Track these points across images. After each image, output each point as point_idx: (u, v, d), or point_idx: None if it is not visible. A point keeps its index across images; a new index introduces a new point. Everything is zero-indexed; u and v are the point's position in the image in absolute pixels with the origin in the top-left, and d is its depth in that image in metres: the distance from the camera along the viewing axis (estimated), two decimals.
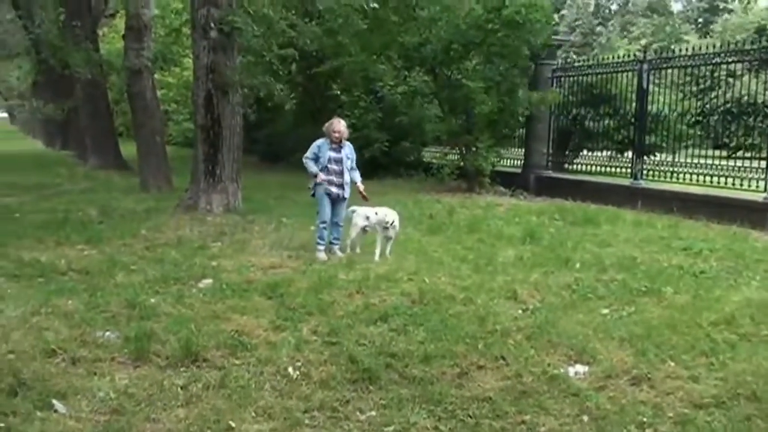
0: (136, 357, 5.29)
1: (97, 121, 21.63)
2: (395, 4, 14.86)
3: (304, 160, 8.97)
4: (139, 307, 6.35)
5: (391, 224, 8.60)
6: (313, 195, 9.01)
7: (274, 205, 13.13)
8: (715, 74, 14.69)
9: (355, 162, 9.09)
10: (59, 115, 25.29)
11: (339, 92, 19.72)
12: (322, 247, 8.85)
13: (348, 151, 8.99)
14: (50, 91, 27.06)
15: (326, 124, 9.05)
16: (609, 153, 16.39)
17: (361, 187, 8.99)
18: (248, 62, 12.94)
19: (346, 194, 8.96)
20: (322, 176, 8.79)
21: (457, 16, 15.14)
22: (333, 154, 8.87)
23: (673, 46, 37.49)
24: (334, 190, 8.85)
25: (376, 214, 8.76)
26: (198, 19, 12.05)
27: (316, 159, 8.87)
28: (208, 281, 7.46)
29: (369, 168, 16.88)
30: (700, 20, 58.88)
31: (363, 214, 8.85)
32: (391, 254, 8.73)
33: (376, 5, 13.29)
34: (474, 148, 15.86)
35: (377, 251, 8.65)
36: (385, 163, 18.60)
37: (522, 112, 15.97)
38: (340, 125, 8.92)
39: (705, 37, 44.61)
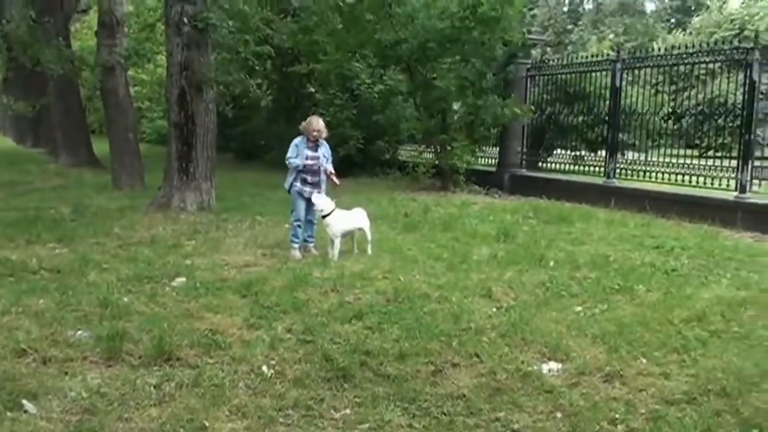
0: (109, 356, 5.25)
1: (69, 118, 21.39)
2: (370, 2, 14.82)
3: (287, 162, 8.94)
4: (112, 306, 6.30)
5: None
6: (289, 191, 8.99)
7: (249, 203, 13.08)
8: (689, 74, 14.82)
9: (331, 161, 9.08)
10: (30, 112, 24.95)
11: (314, 90, 19.67)
12: (296, 245, 8.84)
13: (325, 150, 8.99)
14: (21, 88, 26.69)
15: (304, 123, 9.02)
16: (583, 152, 16.49)
17: (330, 169, 8.94)
18: (222, 59, 12.85)
19: (322, 191, 8.95)
20: (308, 160, 8.79)
21: (432, 15, 15.15)
22: (310, 153, 8.86)
23: (648, 46, 37.90)
24: (308, 189, 8.83)
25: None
26: (172, 16, 11.96)
27: (296, 157, 8.86)
28: (182, 280, 7.41)
29: (344, 166, 16.79)
30: (673, 20, 59.45)
31: (336, 222, 8.68)
32: (371, 252, 8.77)
33: (351, 1, 13.26)
34: (449, 147, 15.90)
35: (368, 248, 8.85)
36: (360, 161, 18.59)
37: (492, 124, 16.05)
38: (319, 124, 8.90)
39: (682, 34, 44.96)
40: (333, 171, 8.99)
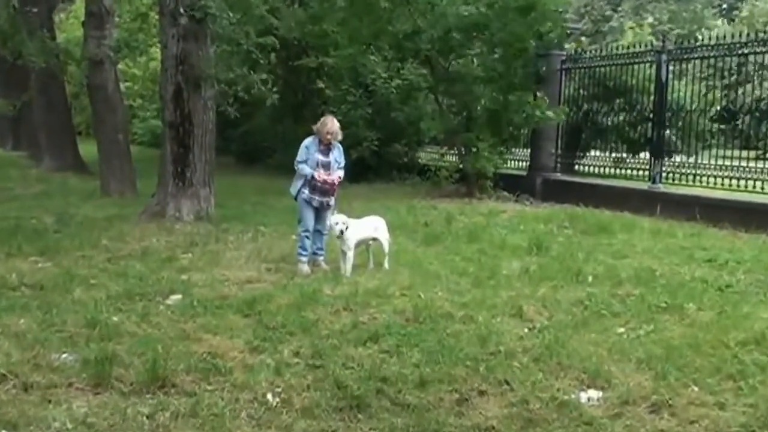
0: (96, 382, 5.25)
1: (53, 118, 21.55)
2: None
3: (296, 166, 8.92)
4: (100, 327, 6.31)
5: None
6: (296, 198, 8.99)
7: (251, 212, 13.11)
8: (744, 66, 14.73)
9: (343, 165, 9.07)
10: (10, 111, 25.18)
11: (324, 86, 19.72)
12: (304, 259, 8.84)
13: (337, 153, 8.97)
14: (0, 84, 26.95)
15: (318, 124, 8.98)
16: (624, 153, 16.42)
17: (333, 179, 8.86)
18: (222, 52, 12.92)
19: (332, 201, 8.96)
20: (321, 175, 8.74)
21: (455, 0, 15.15)
22: (321, 158, 8.83)
23: (697, 34, 37.70)
24: (317, 197, 8.84)
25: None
26: (167, 4, 12.04)
27: (305, 162, 8.84)
28: (177, 297, 7.43)
29: (357, 170, 16.89)
30: (725, 6, 59.20)
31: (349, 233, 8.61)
32: (388, 267, 8.77)
33: None
34: (474, 149, 15.89)
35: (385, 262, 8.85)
36: (375, 164, 18.62)
37: (521, 124, 16.03)
38: (333, 126, 8.86)
39: (729, 23, 44.71)
40: (340, 178, 8.97)
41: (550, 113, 15.34)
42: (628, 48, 16.08)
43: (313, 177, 8.73)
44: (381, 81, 17.88)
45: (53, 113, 21.55)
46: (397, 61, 17.77)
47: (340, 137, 9.02)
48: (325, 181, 8.75)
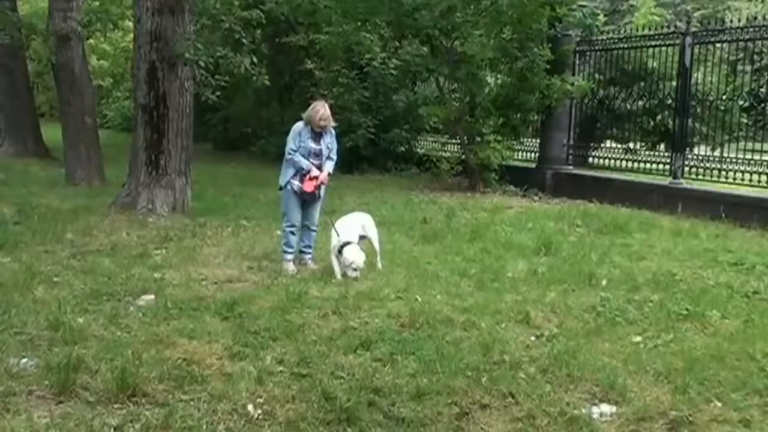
0: (60, 390, 5.24)
1: (13, 99, 21.46)
2: None
3: (288, 157, 8.84)
4: (64, 329, 6.30)
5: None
6: (281, 189, 8.97)
7: (232, 205, 13.12)
8: None
9: (335, 152, 9.05)
10: None
11: (313, 67, 19.71)
12: (290, 257, 8.84)
13: (329, 139, 8.93)
14: None
15: (308, 110, 8.95)
16: (643, 145, 16.45)
17: (323, 177, 8.83)
18: (203, 27, 12.88)
19: (321, 192, 8.95)
20: (320, 175, 8.75)
21: None
22: (313, 145, 8.80)
23: (720, 15, 37.70)
24: (308, 190, 8.81)
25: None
26: None
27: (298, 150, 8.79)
28: (150, 297, 7.42)
29: (350, 160, 16.93)
30: None
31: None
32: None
33: None
34: (479, 138, 15.90)
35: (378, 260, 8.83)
36: (369, 154, 18.65)
37: (537, 103, 16.02)
38: (325, 112, 8.80)
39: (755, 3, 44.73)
40: (329, 173, 8.93)
41: (569, 86, 15.40)
42: (646, 29, 16.04)
43: (308, 172, 8.72)
44: (378, 62, 17.86)
45: (13, 94, 21.43)
46: (396, 40, 17.76)
47: (332, 123, 9.00)
48: (314, 161, 8.76)
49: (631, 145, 16.46)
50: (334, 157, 9.04)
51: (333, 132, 9.03)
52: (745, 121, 14.81)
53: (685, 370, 5.74)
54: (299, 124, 8.89)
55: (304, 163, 8.73)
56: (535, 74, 15.66)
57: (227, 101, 22.40)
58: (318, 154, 8.80)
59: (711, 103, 14.38)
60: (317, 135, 8.83)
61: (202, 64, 12.16)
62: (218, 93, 12.64)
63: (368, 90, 18.78)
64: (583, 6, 16.94)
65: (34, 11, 24.24)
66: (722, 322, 6.98)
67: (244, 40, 13.28)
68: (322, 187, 8.92)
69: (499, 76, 16.31)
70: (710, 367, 5.81)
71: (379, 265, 8.81)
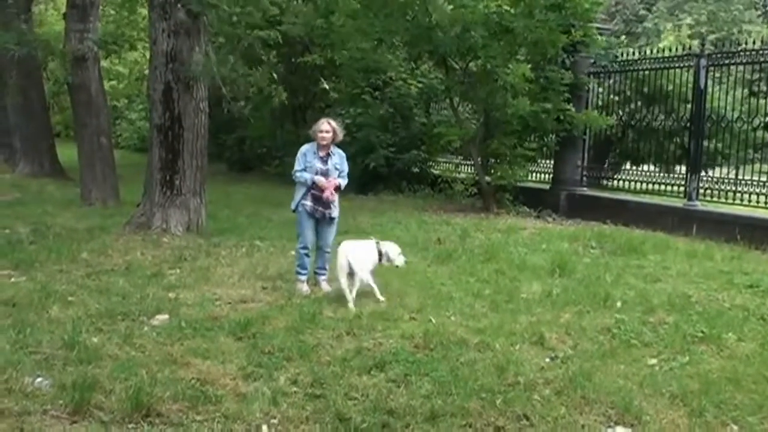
0: (74, 410, 5.25)
1: (29, 119, 21.63)
2: None
3: (293, 176, 8.93)
4: (78, 348, 6.33)
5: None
6: (294, 211, 9.01)
7: (246, 225, 13.13)
8: None
9: (346, 173, 9.05)
10: None
11: (329, 87, 19.77)
12: (303, 278, 8.85)
13: (337, 160, 8.94)
14: None
15: (313, 126, 9.04)
16: (658, 167, 16.41)
17: (331, 185, 8.77)
18: (220, 47, 12.94)
19: (334, 213, 8.95)
20: (322, 181, 8.70)
21: None
22: (320, 165, 8.82)
23: (735, 37, 37.70)
24: (321, 209, 8.83)
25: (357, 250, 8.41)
26: None
27: (304, 171, 8.85)
28: (164, 317, 7.44)
29: (364, 180, 16.97)
30: None
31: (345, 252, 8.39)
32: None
33: None
34: (494, 159, 15.90)
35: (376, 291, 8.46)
36: (384, 174, 18.64)
37: (553, 126, 16.01)
38: (325, 125, 8.84)
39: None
40: (337, 185, 8.83)
41: (599, 118, 15.49)
42: (663, 51, 16.03)
43: (314, 183, 8.73)
44: (399, 82, 17.92)
45: (30, 114, 21.61)
46: (412, 60, 17.80)
47: (338, 138, 8.95)
48: (325, 189, 8.73)
49: (647, 167, 16.42)
50: (344, 173, 9.03)
51: (342, 154, 9.04)
52: (761, 143, 14.74)
53: (701, 393, 5.72)
54: (307, 145, 8.94)
55: (307, 176, 8.76)
56: (551, 97, 15.64)
57: (241, 122, 22.55)
58: (324, 174, 8.80)
59: (726, 125, 14.34)
60: (325, 155, 8.85)
61: (221, 82, 12.19)
62: (243, 105, 12.65)
63: (386, 109, 18.82)
64: (601, 29, 16.96)
65: (50, 33, 24.39)
66: (738, 345, 6.95)
67: (263, 58, 13.33)
68: (335, 209, 8.92)
69: (517, 98, 16.27)
70: (726, 390, 5.79)
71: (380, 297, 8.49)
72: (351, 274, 8.19)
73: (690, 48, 15.53)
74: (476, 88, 16.02)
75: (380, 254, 8.47)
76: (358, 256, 8.23)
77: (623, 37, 19.72)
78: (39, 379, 5.71)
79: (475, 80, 16.07)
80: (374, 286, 8.31)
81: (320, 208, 8.83)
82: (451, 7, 15.23)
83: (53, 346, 6.42)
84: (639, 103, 16.35)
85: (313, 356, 6.43)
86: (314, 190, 8.78)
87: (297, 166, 8.88)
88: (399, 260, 8.54)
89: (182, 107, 12.15)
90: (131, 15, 19.09)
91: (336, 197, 8.90)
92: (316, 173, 8.77)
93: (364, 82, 19.03)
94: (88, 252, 10.44)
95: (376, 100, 18.93)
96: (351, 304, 7.99)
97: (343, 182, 9.02)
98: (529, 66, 15.61)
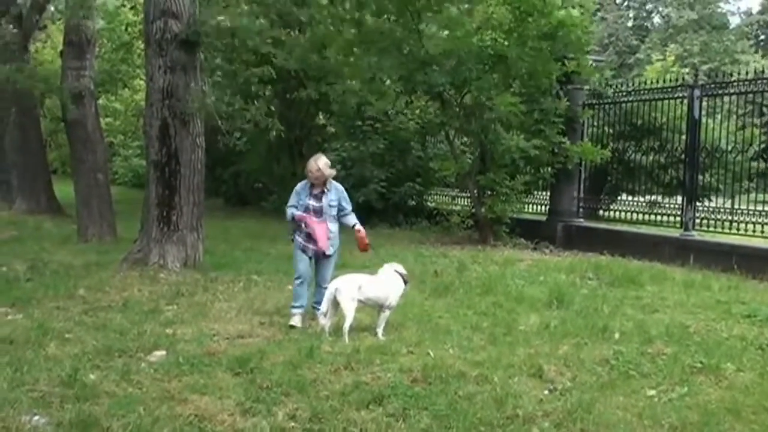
0: None
1: (26, 156, 21.63)
2: (397, 14, 14.99)
3: (286, 210, 9.02)
4: (76, 386, 6.30)
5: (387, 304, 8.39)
6: (293, 240, 9.06)
7: (243, 260, 13.13)
8: None
9: (350, 209, 9.07)
10: None
11: (324, 122, 19.87)
12: (297, 311, 8.83)
13: (333, 196, 8.95)
14: None
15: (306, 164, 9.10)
16: (654, 197, 16.46)
17: (362, 233, 8.89)
18: (217, 83, 13.02)
19: (330, 251, 8.96)
20: (304, 218, 8.76)
21: (469, 30, 15.30)
22: (313, 203, 8.87)
23: (726, 68, 37.98)
24: (312, 246, 8.87)
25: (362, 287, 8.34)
26: (152, 33, 12.13)
27: (297, 208, 8.91)
28: (161, 353, 7.42)
29: (360, 214, 16.89)
30: (762, 37, 59.73)
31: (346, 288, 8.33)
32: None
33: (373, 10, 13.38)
34: (491, 192, 15.95)
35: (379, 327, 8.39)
36: (380, 208, 18.69)
37: (549, 158, 16.06)
38: (315, 164, 8.81)
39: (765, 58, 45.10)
40: (360, 229, 8.91)
41: (594, 151, 15.57)
42: (656, 82, 16.14)
43: (295, 220, 8.82)
44: (398, 116, 18.03)
45: (26, 151, 21.61)
46: (407, 94, 17.91)
47: (326, 175, 8.86)
48: (309, 226, 8.78)
49: (643, 198, 16.47)
50: (348, 208, 9.07)
51: (340, 188, 9.07)
52: (756, 172, 14.80)
53: (700, 424, 5.71)
54: (301, 183, 9.01)
55: (289, 212, 8.89)
56: (546, 130, 15.71)
57: (238, 157, 22.62)
58: (318, 212, 8.84)
59: (721, 155, 14.41)
60: (320, 192, 8.89)
61: (218, 116, 12.24)
62: (244, 139, 12.70)
63: (381, 143, 18.91)
64: (595, 61, 17.08)
65: (49, 70, 24.52)
66: (737, 375, 6.95)
67: (259, 94, 13.42)
68: (332, 248, 8.96)
69: (511, 131, 16.34)
70: (726, 421, 5.78)
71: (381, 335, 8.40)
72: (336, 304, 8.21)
73: (678, 76, 15.61)
74: (471, 122, 16.10)
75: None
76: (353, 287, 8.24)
77: (613, 71, 19.85)
78: (36, 417, 5.69)
79: (469, 113, 16.14)
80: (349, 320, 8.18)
81: (311, 246, 8.86)
82: (445, 34, 15.37)
83: (51, 384, 6.39)
84: (634, 134, 16.42)
85: (312, 391, 6.41)
86: (307, 228, 8.82)
87: (290, 202, 9.01)
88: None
89: (179, 143, 12.17)
90: (126, 53, 19.21)
91: (336, 231, 8.97)
92: (308, 209, 8.83)
93: (359, 116, 19.13)
94: (85, 288, 10.43)
95: (374, 135, 19.01)
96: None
97: (353, 217, 9.07)
98: (524, 98, 15.69)
